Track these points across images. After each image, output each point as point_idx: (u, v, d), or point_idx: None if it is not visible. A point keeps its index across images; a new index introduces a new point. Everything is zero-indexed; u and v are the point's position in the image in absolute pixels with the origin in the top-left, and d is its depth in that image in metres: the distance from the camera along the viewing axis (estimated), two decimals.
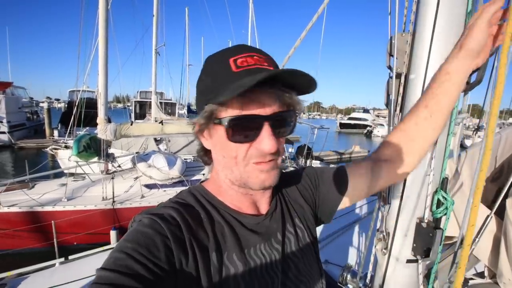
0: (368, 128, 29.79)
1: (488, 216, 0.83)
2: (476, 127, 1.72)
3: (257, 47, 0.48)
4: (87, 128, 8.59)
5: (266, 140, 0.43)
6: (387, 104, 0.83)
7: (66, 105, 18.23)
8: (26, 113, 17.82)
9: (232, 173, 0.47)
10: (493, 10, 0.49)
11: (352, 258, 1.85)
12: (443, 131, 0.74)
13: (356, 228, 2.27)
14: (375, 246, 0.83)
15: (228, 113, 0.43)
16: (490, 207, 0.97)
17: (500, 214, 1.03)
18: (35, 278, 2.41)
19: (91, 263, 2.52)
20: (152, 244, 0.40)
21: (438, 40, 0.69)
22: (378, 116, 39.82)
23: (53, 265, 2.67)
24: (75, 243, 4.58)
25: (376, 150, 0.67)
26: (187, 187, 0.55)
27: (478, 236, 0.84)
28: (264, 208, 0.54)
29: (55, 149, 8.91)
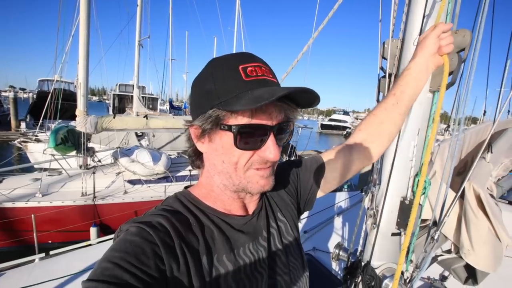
0: (348, 129, 31.09)
1: (455, 197, 0.99)
2: (446, 127, 2.01)
3: (260, 57, 0.49)
4: (60, 120, 8.06)
5: (271, 148, 0.45)
6: (378, 100, 0.96)
7: (34, 96, 16.82)
8: None
9: (229, 178, 0.48)
10: (443, 29, 0.65)
11: (341, 242, 2.02)
12: (423, 124, 0.89)
13: (340, 219, 2.46)
14: (366, 222, 0.96)
15: (238, 121, 0.43)
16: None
17: (463, 196, 1.22)
18: (13, 274, 2.28)
19: (75, 258, 2.43)
20: (141, 252, 0.40)
21: None
22: (357, 118, 41.78)
23: (32, 261, 2.52)
24: (50, 241, 4.33)
25: (351, 135, 0.74)
26: (172, 194, 0.55)
27: (447, 215, 1.00)
28: (251, 208, 0.56)
29: (24, 142, 8.24)
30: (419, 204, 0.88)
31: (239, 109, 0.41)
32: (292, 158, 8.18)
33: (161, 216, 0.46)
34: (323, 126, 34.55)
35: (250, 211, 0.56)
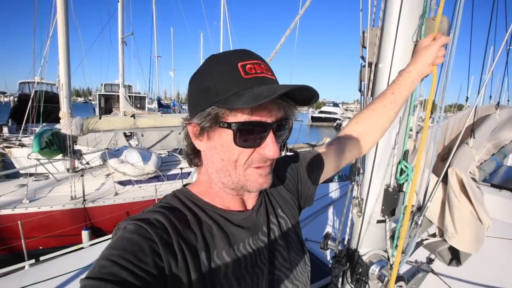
0: (338, 121, 31.29)
1: (437, 181, 1.02)
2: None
3: (258, 54, 0.48)
4: (44, 124, 7.78)
5: (270, 146, 0.45)
6: (360, 89, 0.96)
7: (15, 99, 16.11)
8: None
9: (228, 176, 0.48)
10: (444, 42, 0.71)
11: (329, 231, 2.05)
12: (405, 112, 0.89)
13: (331, 209, 2.49)
14: (352, 211, 0.97)
15: (237, 118, 0.43)
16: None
17: (447, 182, 1.25)
18: (1, 282, 2.21)
19: (67, 262, 2.37)
20: (139, 250, 0.40)
21: (401, 36, 0.83)
22: (346, 109, 42.23)
23: (22, 268, 2.46)
24: (41, 247, 4.23)
25: (347, 126, 0.76)
26: (171, 192, 0.54)
27: (429, 199, 1.03)
28: (251, 204, 0.56)
29: (8, 147, 7.94)
30: (402, 191, 0.89)
31: (239, 107, 0.41)
32: (283, 152, 8.19)
33: (158, 213, 0.46)
34: (314, 119, 34.61)
35: (250, 207, 0.56)
